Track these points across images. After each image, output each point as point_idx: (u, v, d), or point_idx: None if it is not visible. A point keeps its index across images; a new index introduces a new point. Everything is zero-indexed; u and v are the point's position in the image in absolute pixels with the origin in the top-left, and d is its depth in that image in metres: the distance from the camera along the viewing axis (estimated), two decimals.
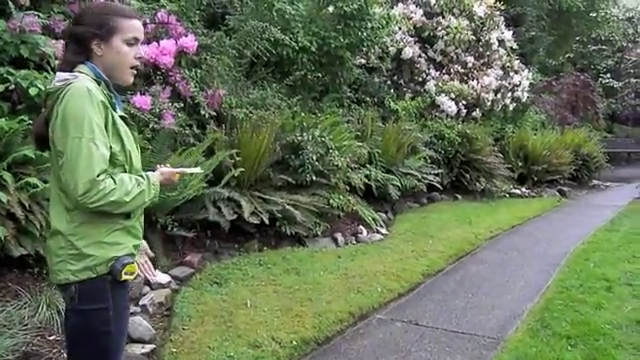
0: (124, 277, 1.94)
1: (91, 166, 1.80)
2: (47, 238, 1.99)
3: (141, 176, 1.99)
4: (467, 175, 9.86)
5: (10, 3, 4.36)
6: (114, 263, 1.92)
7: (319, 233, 6.11)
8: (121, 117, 2.00)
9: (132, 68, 2.01)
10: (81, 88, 1.83)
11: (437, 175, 9.00)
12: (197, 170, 2.37)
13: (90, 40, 1.94)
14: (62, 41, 4.58)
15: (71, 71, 1.93)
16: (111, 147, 1.89)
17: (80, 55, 1.95)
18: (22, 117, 3.87)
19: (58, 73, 1.93)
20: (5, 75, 4.06)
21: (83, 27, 1.95)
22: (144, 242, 2.27)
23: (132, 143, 2.01)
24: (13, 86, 4.03)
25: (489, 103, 11.34)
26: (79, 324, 1.96)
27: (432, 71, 10.93)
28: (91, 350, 1.98)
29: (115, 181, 1.86)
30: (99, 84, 1.93)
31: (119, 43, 1.95)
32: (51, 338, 3.37)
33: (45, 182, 3.82)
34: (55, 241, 1.92)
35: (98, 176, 1.81)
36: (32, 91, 3.95)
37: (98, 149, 1.82)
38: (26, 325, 3.36)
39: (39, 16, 4.48)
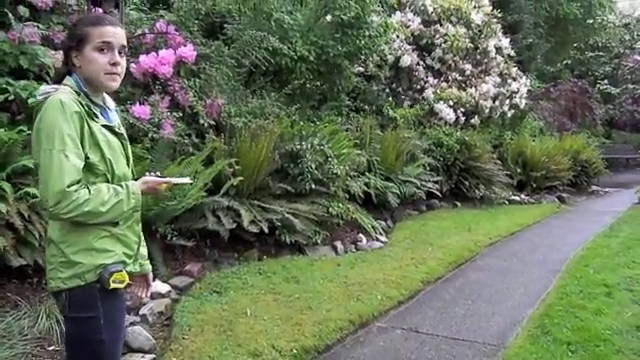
0: (112, 285, 1.94)
1: (61, 177, 1.80)
2: (45, 247, 2.03)
3: (120, 185, 1.98)
4: (466, 182, 9.85)
5: (10, 14, 4.40)
6: (102, 271, 1.93)
7: (319, 241, 6.11)
8: (107, 127, 2.01)
9: (110, 74, 1.98)
10: (54, 101, 1.85)
11: (436, 182, 9.00)
12: (186, 180, 2.29)
13: (69, 52, 1.99)
14: (61, 52, 4.64)
15: (58, 82, 1.98)
16: (89, 157, 1.91)
17: (67, 67, 2.01)
18: (21, 127, 3.89)
19: (41, 87, 1.97)
20: (4, 86, 4.09)
21: (66, 39, 2.04)
22: (149, 266, 2.28)
23: (115, 152, 2.01)
24: (12, 97, 4.06)
25: (487, 110, 11.36)
26: (72, 332, 2.00)
27: (430, 79, 10.96)
28: (85, 358, 2.01)
29: (90, 191, 1.87)
30: (79, 95, 1.94)
31: (90, 51, 1.95)
32: (50, 348, 3.37)
33: None
34: (49, 249, 1.97)
35: (69, 187, 1.81)
36: (31, 102, 3.95)
37: (69, 160, 1.82)
38: (25, 335, 3.36)
39: (38, 27, 4.52)
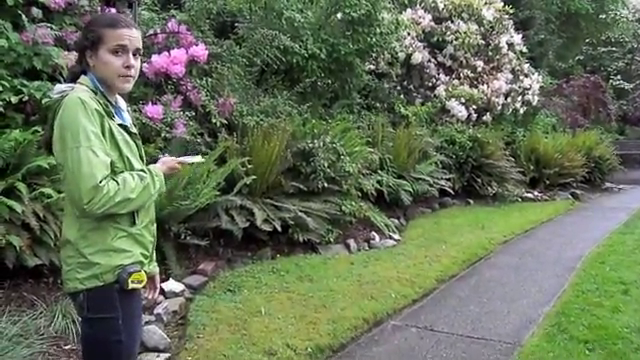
0: (131, 286, 1.93)
1: (93, 173, 1.80)
2: (60, 248, 2.02)
3: (142, 171, 1.99)
4: (479, 179, 9.80)
5: (23, 16, 4.41)
6: (120, 272, 1.92)
7: (332, 240, 6.10)
8: (123, 126, 2.01)
9: (124, 77, 1.97)
10: (73, 99, 1.85)
11: (449, 180, 8.96)
12: (198, 159, 2.34)
13: (83, 51, 1.98)
14: (74, 52, 4.65)
15: (73, 81, 1.97)
16: (108, 155, 1.91)
17: (81, 65, 1.99)
18: (36, 128, 3.91)
19: (57, 85, 1.96)
20: (19, 87, 4.11)
21: (80, 39, 2.03)
22: (157, 268, 2.28)
23: (132, 151, 2.01)
24: (27, 97, 4.08)
25: (499, 107, 11.29)
26: (89, 332, 1.98)
27: (442, 76, 10.90)
28: (102, 358, 1.99)
29: (117, 182, 1.87)
30: (95, 94, 1.94)
31: (104, 53, 1.94)
32: (67, 347, 3.39)
33: (59, 192, 3.85)
34: (65, 250, 1.95)
35: (100, 182, 1.81)
36: (46, 101, 3.98)
37: (97, 156, 1.82)
38: (42, 335, 3.37)
39: (51, 28, 4.53)
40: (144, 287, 2.06)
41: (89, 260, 1.89)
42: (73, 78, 1.99)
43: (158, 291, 2.34)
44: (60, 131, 1.84)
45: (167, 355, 3.52)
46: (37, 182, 3.88)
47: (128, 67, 1.96)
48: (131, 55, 1.97)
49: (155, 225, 2.17)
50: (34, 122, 4.16)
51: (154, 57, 5.32)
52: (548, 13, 16.43)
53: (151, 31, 5.81)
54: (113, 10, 5.32)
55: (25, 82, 4.16)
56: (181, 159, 2.22)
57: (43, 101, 4.00)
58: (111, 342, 1.95)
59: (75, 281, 1.91)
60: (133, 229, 1.97)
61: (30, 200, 3.70)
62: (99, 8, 5.23)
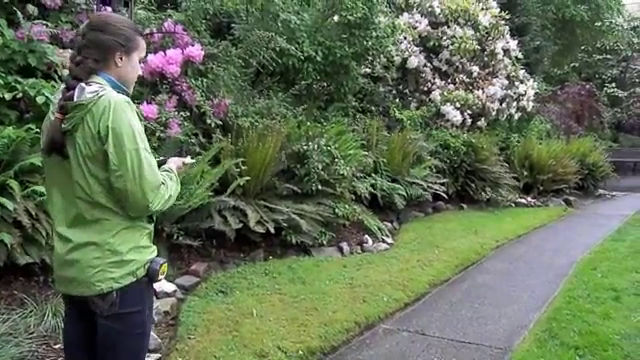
0: (160, 277, 2.03)
1: (154, 174, 1.93)
2: (68, 251, 1.95)
3: (166, 171, 2.11)
4: (473, 184, 9.82)
5: (18, 12, 4.40)
6: (151, 265, 2.00)
7: (325, 242, 6.09)
8: None
9: (135, 82, 2.14)
10: (121, 101, 1.89)
11: (442, 184, 8.96)
12: (188, 160, 2.44)
13: (114, 51, 1.98)
14: (70, 50, 4.63)
15: (83, 80, 1.93)
16: None
17: (99, 63, 1.97)
18: (29, 125, 3.89)
19: (81, 84, 1.91)
20: (13, 84, 4.09)
21: (109, 36, 1.98)
22: None
23: None
24: (21, 94, 4.06)
25: (494, 112, 11.32)
26: (118, 327, 1.98)
27: (437, 80, 10.93)
28: (126, 353, 2.02)
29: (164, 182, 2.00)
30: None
31: (136, 59, 2.06)
32: (57, 347, 3.37)
33: None
34: (87, 253, 1.93)
35: (163, 183, 1.96)
36: (39, 99, 3.97)
37: (152, 156, 1.94)
38: (32, 333, 3.36)
39: (47, 25, 4.52)
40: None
41: (124, 258, 1.93)
42: (88, 75, 1.95)
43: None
44: (115, 133, 1.86)
45: (158, 356, 3.50)
46: (30, 180, 3.86)
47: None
48: None
49: None
50: (28, 119, 4.14)
51: (150, 56, 5.30)
52: (544, 19, 16.51)
53: (147, 30, 5.79)
54: (109, 9, 5.31)
55: (19, 79, 4.14)
56: (183, 159, 2.36)
57: (37, 98, 3.98)
58: (136, 335, 2.02)
59: (109, 281, 1.92)
60: (151, 226, 2.07)
61: (22, 198, 3.68)
62: (95, 6, 5.22)
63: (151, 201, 1.90)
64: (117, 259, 1.92)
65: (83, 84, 1.90)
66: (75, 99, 1.88)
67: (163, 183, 1.96)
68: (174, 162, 2.26)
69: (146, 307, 2.03)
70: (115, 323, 1.97)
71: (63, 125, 1.88)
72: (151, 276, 1.99)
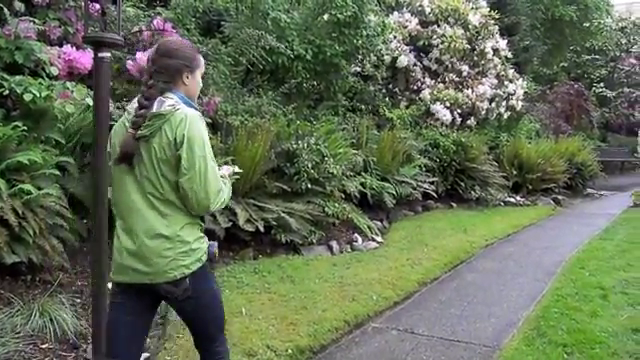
0: (217, 257, 2.40)
1: (217, 179, 2.24)
2: (140, 243, 2.19)
3: (221, 177, 2.36)
4: (462, 183, 9.86)
5: (5, 9, 4.35)
6: (209, 249, 2.33)
7: (314, 241, 6.09)
8: None
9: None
10: (195, 114, 2.22)
11: (432, 183, 9.00)
12: (237, 169, 2.70)
13: (182, 72, 2.29)
14: (57, 47, 4.59)
15: (155, 97, 2.21)
16: None
17: (169, 84, 2.26)
18: (16, 123, 3.85)
19: (160, 98, 2.20)
20: None
21: (176, 60, 2.29)
22: None
23: None
24: (7, 92, 4.01)
25: (484, 112, 11.37)
26: (197, 303, 2.30)
27: (427, 79, 10.96)
28: (217, 313, 2.43)
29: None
30: None
31: (199, 75, 2.40)
32: (44, 346, 3.34)
33: (39, 189, 3.79)
34: (158, 244, 2.19)
35: (223, 187, 2.29)
36: (27, 97, 3.93)
37: (216, 165, 2.26)
38: (18, 333, 3.33)
39: (34, 22, 4.47)
40: None
41: (192, 247, 2.24)
42: (161, 94, 2.22)
43: None
44: (190, 141, 2.16)
45: (146, 355, 3.47)
46: (17, 178, 3.82)
47: None
48: None
49: None
50: (14, 117, 4.10)
51: (138, 54, 5.26)
52: (533, 19, 16.58)
53: (136, 28, 5.75)
54: (97, 6, 5.26)
55: (6, 76, 4.09)
56: (232, 168, 2.65)
57: (25, 96, 3.93)
58: (216, 305, 2.41)
59: (181, 268, 2.21)
60: (203, 223, 2.38)
61: (9, 196, 3.64)
62: (83, 3, 5.17)
63: (212, 202, 2.21)
64: (186, 248, 2.22)
65: (162, 97, 2.21)
66: (154, 110, 2.18)
67: (223, 188, 2.28)
68: (226, 169, 2.56)
69: (213, 283, 2.41)
70: (193, 300, 2.28)
71: (140, 131, 2.16)
72: (211, 258, 2.33)
